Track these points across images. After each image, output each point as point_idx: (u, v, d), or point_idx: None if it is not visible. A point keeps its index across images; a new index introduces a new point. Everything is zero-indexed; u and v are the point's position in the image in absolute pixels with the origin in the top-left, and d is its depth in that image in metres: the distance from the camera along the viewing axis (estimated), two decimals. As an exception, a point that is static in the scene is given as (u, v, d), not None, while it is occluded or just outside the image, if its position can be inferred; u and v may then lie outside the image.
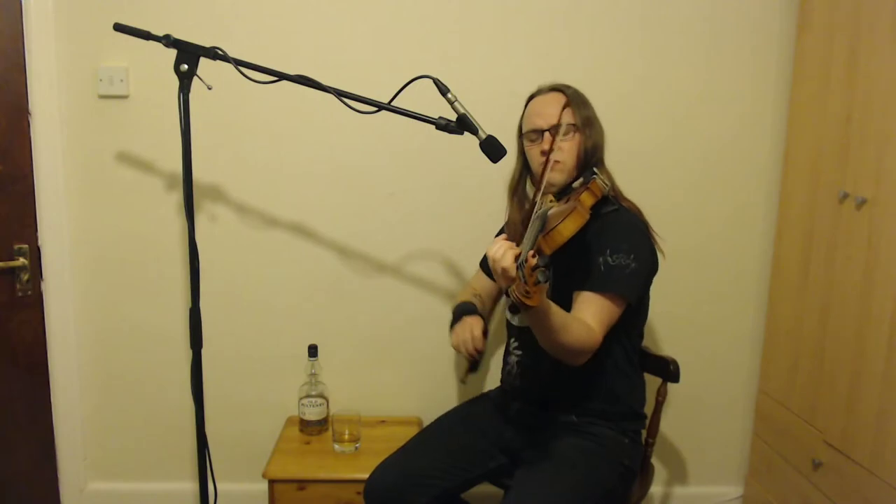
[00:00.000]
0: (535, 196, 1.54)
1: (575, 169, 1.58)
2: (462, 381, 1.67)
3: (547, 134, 1.57)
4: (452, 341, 1.65)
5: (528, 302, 1.12)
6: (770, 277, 2.12)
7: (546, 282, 1.13)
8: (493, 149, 1.54)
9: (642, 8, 2.02)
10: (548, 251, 1.29)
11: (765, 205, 2.13)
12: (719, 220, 2.14)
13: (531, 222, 1.35)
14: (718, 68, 2.05)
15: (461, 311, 1.69)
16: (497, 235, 1.85)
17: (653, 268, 1.58)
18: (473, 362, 1.61)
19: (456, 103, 1.53)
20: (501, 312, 1.94)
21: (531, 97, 1.68)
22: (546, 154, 1.56)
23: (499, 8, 2.01)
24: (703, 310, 2.18)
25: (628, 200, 1.63)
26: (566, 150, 1.56)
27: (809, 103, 1.91)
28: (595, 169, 1.54)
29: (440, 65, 1.95)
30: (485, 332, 1.61)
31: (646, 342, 1.75)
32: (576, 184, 1.56)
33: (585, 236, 1.44)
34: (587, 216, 1.36)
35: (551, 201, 1.51)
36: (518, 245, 1.28)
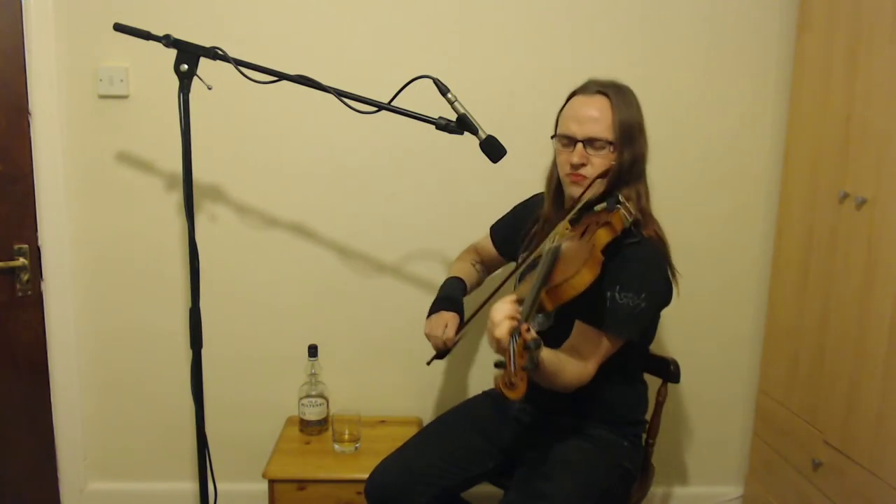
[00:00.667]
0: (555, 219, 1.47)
1: (604, 185, 1.46)
2: (427, 363, 1.67)
3: (579, 146, 1.45)
4: (425, 329, 1.65)
5: (510, 394, 1.04)
6: (770, 277, 2.12)
7: (535, 368, 1.07)
8: (493, 149, 1.54)
9: (642, 8, 2.02)
10: (551, 307, 1.20)
11: (765, 205, 2.13)
12: (719, 219, 2.14)
13: (541, 262, 1.27)
14: (718, 68, 2.05)
15: (444, 297, 1.68)
16: (517, 209, 1.82)
17: (663, 304, 1.52)
18: (440, 353, 1.63)
19: (456, 103, 1.53)
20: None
21: (574, 93, 1.53)
22: (574, 169, 1.46)
23: (499, 8, 2.01)
24: (703, 310, 2.18)
25: (654, 225, 1.50)
26: (596, 166, 1.45)
27: (809, 103, 1.91)
28: (620, 196, 1.41)
29: (440, 65, 1.94)
30: (460, 327, 1.62)
31: (646, 342, 1.75)
32: (598, 207, 1.44)
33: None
34: (601, 265, 1.25)
35: (567, 229, 1.41)
36: (523, 277, 1.22)
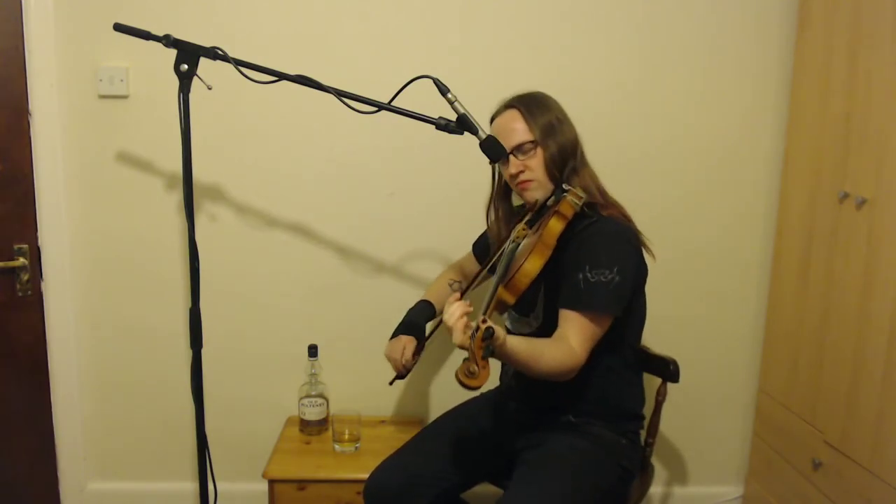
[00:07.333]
0: (510, 226, 1.57)
1: (549, 180, 1.54)
2: (389, 383, 1.79)
3: (511, 157, 1.55)
4: (385, 351, 1.77)
5: (470, 383, 1.11)
6: (770, 277, 2.12)
7: (491, 353, 1.15)
8: (492, 149, 1.53)
9: (642, 8, 2.02)
10: (511, 299, 1.31)
11: (765, 205, 2.13)
12: (719, 220, 2.14)
13: (500, 261, 1.36)
14: (718, 68, 2.05)
15: (405, 323, 1.78)
16: (479, 238, 1.88)
17: (639, 275, 1.55)
18: (400, 375, 1.74)
19: (456, 103, 1.53)
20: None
21: (493, 118, 1.64)
22: (514, 177, 1.56)
23: (499, 8, 2.01)
24: (704, 310, 2.18)
25: (613, 205, 1.57)
26: (534, 167, 1.54)
27: (809, 103, 1.91)
28: (565, 185, 1.50)
29: (440, 65, 1.94)
30: (418, 352, 1.73)
31: (646, 342, 1.75)
32: (550, 201, 1.53)
33: (565, 254, 1.45)
34: (551, 249, 1.35)
35: (523, 229, 1.48)
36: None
